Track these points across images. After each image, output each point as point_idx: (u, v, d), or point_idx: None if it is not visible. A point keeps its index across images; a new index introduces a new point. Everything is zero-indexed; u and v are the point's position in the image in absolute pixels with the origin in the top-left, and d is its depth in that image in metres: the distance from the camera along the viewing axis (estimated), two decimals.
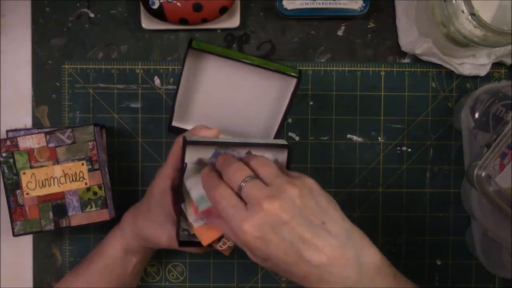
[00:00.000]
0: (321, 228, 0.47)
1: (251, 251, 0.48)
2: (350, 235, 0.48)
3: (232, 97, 0.62)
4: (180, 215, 0.54)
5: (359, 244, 0.48)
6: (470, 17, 0.56)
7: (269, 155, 0.54)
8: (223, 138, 0.56)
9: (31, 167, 0.61)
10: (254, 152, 0.54)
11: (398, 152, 0.69)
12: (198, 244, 0.55)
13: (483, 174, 0.54)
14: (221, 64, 0.60)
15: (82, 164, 0.61)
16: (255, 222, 0.46)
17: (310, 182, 0.49)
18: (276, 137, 0.63)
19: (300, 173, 0.51)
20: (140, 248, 0.61)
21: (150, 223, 0.58)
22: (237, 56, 0.58)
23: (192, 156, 0.54)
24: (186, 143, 0.52)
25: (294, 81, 0.59)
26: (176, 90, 0.60)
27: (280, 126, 0.62)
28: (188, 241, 0.55)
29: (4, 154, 0.61)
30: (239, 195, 0.48)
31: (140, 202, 0.61)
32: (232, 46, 0.68)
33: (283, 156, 0.54)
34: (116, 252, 0.61)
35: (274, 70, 0.58)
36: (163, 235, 0.57)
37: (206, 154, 0.54)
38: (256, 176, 0.49)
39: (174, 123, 0.63)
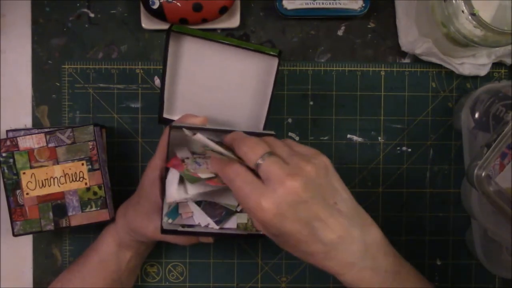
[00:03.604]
0: (333, 208, 0.48)
1: (265, 227, 0.48)
2: (357, 214, 0.50)
3: (217, 85, 0.62)
4: (163, 201, 0.54)
5: (364, 223, 0.50)
6: (470, 17, 0.56)
7: None
8: (209, 126, 0.57)
9: (31, 167, 0.61)
10: None
11: (398, 152, 0.69)
12: (180, 232, 0.55)
13: (483, 174, 0.54)
14: (202, 49, 0.60)
15: (82, 164, 0.61)
16: (275, 199, 0.46)
17: (325, 161, 0.49)
18: (265, 126, 0.62)
19: (310, 148, 0.51)
20: (132, 241, 0.61)
21: (138, 214, 0.59)
22: (217, 38, 0.59)
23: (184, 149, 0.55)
24: (170, 128, 0.54)
25: (275, 63, 0.58)
26: (163, 80, 0.60)
27: (268, 113, 0.61)
28: (171, 229, 0.55)
29: (4, 154, 0.61)
30: (255, 172, 0.48)
31: (132, 195, 0.62)
32: None
33: None
34: (109, 247, 0.62)
35: (253, 50, 0.58)
36: (150, 225, 0.58)
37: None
38: (272, 152, 0.48)
39: (165, 115, 0.63)
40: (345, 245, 0.48)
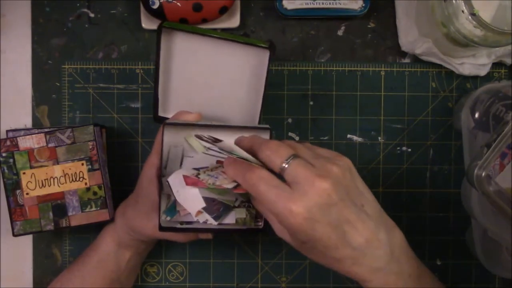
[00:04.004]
0: (361, 210, 0.47)
1: (294, 233, 0.46)
2: (381, 217, 0.48)
3: (210, 81, 0.62)
4: (160, 200, 0.54)
5: (389, 226, 0.49)
6: (470, 17, 0.56)
7: None
8: (203, 122, 0.57)
9: (31, 167, 0.61)
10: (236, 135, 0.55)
11: (398, 152, 0.69)
12: (179, 229, 0.55)
13: (483, 174, 0.54)
14: (194, 45, 0.60)
15: (82, 164, 0.61)
16: (306, 202, 0.44)
17: (349, 162, 0.48)
18: (259, 120, 0.62)
19: (331, 150, 0.50)
20: (131, 241, 0.61)
21: (137, 213, 0.59)
22: (208, 32, 0.59)
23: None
24: (164, 125, 0.54)
25: (267, 55, 0.58)
26: (156, 78, 0.61)
27: (262, 107, 0.60)
28: (169, 227, 0.55)
29: (4, 154, 0.61)
30: (279, 176, 0.46)
31: (131, 194, 0.62)
32: None
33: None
34: (109, 247, 0.62)
35: (245, 43, 0.59)
36: (149, 223, 0.57)
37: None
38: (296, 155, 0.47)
39: (160, 113, 0.63)
40: (372, 249, 0.46)
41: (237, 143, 0.52)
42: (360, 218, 0.46)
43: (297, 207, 0.44)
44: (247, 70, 0.61)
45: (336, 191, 0.44)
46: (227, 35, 0.59)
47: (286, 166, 0.46)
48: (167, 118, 0.62)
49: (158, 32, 0.58)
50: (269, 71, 0.59)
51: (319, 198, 0.44)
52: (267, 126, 0.55)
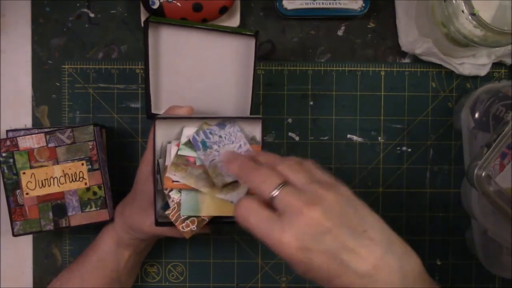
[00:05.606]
0: (363, 236, 0.44)
1: (292, 264, 0.45)
2: (391, 242, 0.46)
3: (200, 74, 0.62)
4: (156, 195, 0.55)
5: (401, 251, 0.46)
6: (470, 17, 0.56)
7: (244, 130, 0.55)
8: (195, 115, 0.57)
9: (31, 167, 0.61)
10: (229, 126, 0.55)
11: (398, 152, 0.69)
12: (175, 224, 0.55)
13: (483, 174, 0.54)
14: (181, 39, 0.60)
15: (82, 164, 0.61)
16: (295, 231, 0.43)
17: (345, 190, 0.46)
18: (251, 110, 0.62)
19: (332, 179, 0.48)
20: (130, 240, 0.61)
21: (135, 211, 0.59)
22: (193, 24, 0.59)
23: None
24: (155, 120, 0.54)
25: (253, 43, 0.58)
26: (147, 76, 0.61)
27: (252, 96, 0.60)
28: (166, 222, 0.55)
29: (4, 154, 0.61)
30: (269, 203, 0.45)
31: (128, 194, 0.62)
32: None
33: (258, 130, 0.55)
34: (108, 246, 0.62)
35: (230, 32, 0.59)
36: (146, 220, 0.57)
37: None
38: (287, 182, 0.45)
39: (153, 111, 0.63)
40: (383, 276, 0.44)
41: (226, 162, 0.50)
42: (362, 244, 0.44)
43: (287, 237, 0.43)
44: (235, 60, 0.61)
45: (328, 218, 0.43)
46: (213, 25, 0.60)
47: (276, 194, 0.45)
48: (160, 115, 0.62)
49: (144, 28, 0.59)
50: (256, 60, 0.59)
51: (308, 227, 0.43)
52: (260, 116, 0.55)
